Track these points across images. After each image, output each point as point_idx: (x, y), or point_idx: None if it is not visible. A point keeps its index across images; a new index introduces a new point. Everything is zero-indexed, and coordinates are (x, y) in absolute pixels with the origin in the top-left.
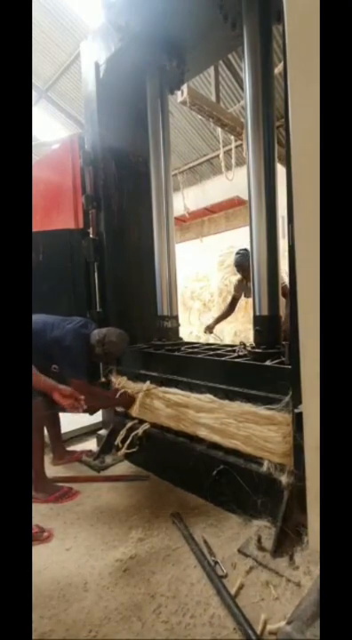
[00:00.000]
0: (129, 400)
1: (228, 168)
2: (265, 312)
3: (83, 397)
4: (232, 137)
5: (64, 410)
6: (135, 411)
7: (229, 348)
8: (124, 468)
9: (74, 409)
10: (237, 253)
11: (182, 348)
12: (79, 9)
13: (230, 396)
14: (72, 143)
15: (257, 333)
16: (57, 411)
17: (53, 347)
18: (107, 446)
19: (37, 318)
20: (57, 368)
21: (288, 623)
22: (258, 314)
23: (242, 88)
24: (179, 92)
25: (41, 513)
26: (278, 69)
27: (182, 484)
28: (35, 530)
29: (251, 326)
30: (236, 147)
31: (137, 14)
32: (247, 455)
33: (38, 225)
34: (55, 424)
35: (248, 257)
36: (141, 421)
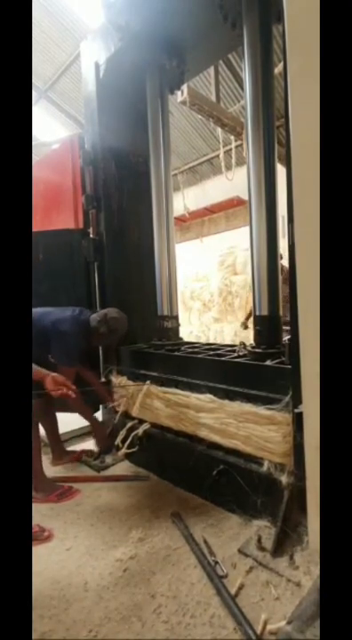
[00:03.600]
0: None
1: (228, 168)
2: (265, 312)
3: (73, 387)
4: (232, 137)
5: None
6: (135, 411)
7: (229, 348)
8: (124, 467)
9: (64, 396)
10: None
11: (182, 348)
12: (79, 9)
13: (230, 396)
14: (72, 143)
15: (257, 333)
16: (54, 409)
17: (50, 332)
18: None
19: (35, 309)
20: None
21: (288, 623)
22: (258, 314)
23: (242, 88)
24: (179, 92)
25: (41, 513)
26: (278, 69)
27: (182, 483)
28: (35, 529)
29: (251, 326)
30: (236, 147)
31: (137, 14)
32: (247, 455)
33: (38, 225)
34: (53, 424)
35: None
36: (141, 421)
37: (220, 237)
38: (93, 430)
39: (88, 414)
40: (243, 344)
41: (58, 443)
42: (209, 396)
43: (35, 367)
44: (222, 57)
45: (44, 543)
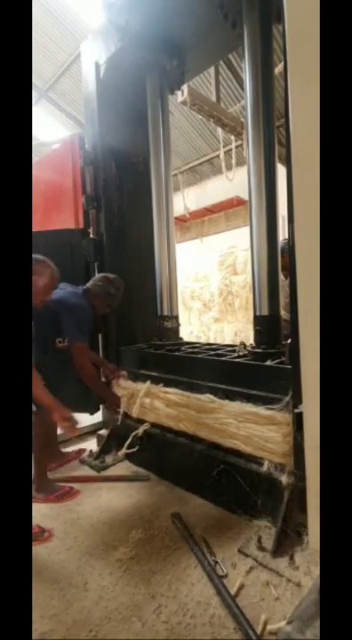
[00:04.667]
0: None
1: (229, 168)
2: (265, 312)
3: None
4: (232, 137)
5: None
6: (135, 411)
7: (229, 348)
8: (124, 467)
9: (68, 430)
10: None
11: (182, 348)
12: (79, 9)
13: (230, 396)
14: (72, 143)
15: (257, 333)
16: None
17: (56, 307)
18: (107, 446)
19: None
20: (62, 340)
21: (288, 623)
22: (258, 314)
23: (242, 88)
24: (179, 92)
25: (41, 513)
26: (278, 69)
27: (182, 483)
28: (35, 530)
29: (251, 326)
30: (237, 147)
31: (137, 14)
32: (247, 455)
33: (38, 225)
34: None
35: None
36: (141, 421)
37: (220, 237)
38: (108, 400)
39: (102, 388)
40: (243, 344)
41: (54, 445)
42: (209, 396)
43: (47, 393)
44: (222, 57)
45: (45, 543)
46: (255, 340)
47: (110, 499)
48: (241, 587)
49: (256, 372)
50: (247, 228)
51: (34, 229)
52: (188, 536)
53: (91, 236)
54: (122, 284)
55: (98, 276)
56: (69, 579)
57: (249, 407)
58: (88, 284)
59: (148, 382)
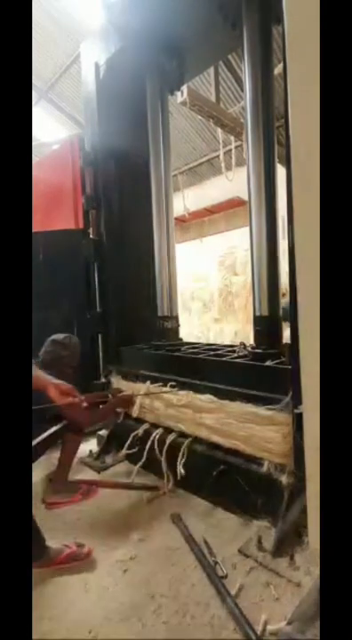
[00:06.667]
0: (123, 403)
1: (228, 168)
2: (265, 312)
3: (83, 397)
4: (232, 137)
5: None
6: (135, 411)
7: (229, 349)
8: (124, 468)
9: (72, 408)
10: None
11: (182, 349)
12: (79, 9)
13: (230, 397)
14: (72, 143)
15: (257, 333)
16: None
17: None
18: (107, 446)
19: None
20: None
21: (288, 623)
22: (258, 314)
23: (242, 88)
24: (179, 93)
25: (41, 512)
26: (278, 69)
27: (182, 484)
28: (73, 548)
29: (251, 326)
30: (236, 147)
31: (137, 14)
32: (247, 455)
33: (38, 225)
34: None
35: None
36: (141, 421)
37: (220, 238)
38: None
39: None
40: (243, 344)
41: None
42: (209, 397)
43: (39, 371)
44: (222, 58)
45: (85, 561)
46: (255, 341)
47: (110, 499)
48: (241, 587)
49: (256, 372)
50: (247, 229)
51: (34, 229)
52: (188, 537)
53: (91, 236)
54: (73, 340)
55: (47, 341)
56: (69, 579)
57: (249, 407)
58: (39, 354)
59: (148, 382)
